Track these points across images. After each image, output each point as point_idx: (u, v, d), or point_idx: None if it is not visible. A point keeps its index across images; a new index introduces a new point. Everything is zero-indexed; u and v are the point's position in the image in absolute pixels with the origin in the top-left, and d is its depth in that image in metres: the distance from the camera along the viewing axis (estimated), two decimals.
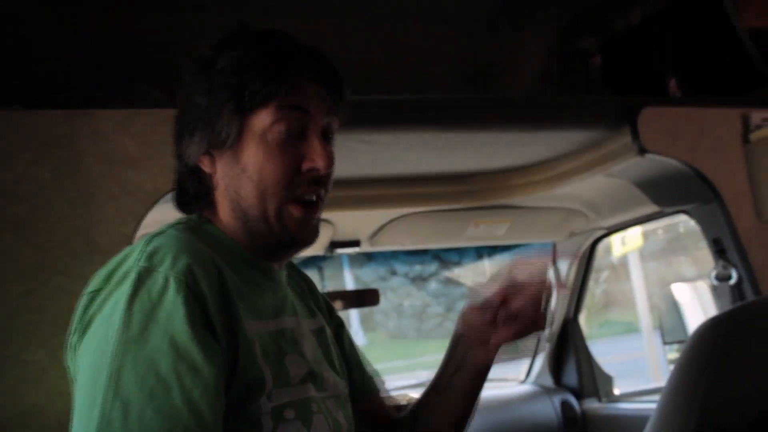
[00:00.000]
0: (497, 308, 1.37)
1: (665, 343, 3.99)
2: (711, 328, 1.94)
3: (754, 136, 2.36)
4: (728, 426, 1.76)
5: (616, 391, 3.44)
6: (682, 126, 2.33)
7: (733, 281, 2.43)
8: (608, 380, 3.45)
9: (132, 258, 1.08)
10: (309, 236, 1.23)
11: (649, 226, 4.93)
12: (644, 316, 8.29)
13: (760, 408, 1.73)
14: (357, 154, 2.25)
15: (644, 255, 8.38)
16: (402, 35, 2.64)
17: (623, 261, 8.33)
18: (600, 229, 3.23)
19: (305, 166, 1.19)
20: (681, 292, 3.58)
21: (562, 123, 2.31)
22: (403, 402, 2.88)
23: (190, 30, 1.93)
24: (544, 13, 2.82)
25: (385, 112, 2.06)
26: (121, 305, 1.03)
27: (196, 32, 1.54)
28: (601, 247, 3.47)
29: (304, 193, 1.19)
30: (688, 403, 1.83)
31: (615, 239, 5.09)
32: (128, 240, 1.76)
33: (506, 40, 2.92)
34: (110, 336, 1.02)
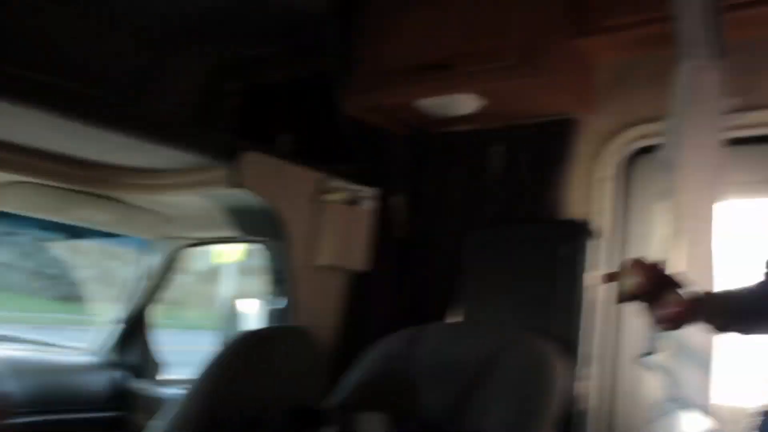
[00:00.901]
0: None
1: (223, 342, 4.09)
2: (242, 339, 2.03)
3: (325, 197, 2.51)
4: (233, 418, 1.84)
5: (169, 376, 3.39)
6: (274, 174, 2.39)
7: (280, 306, 2.55)
8: (162, 366, 3.41)
9: None
10: None
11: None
12: (217, 319, 8.43)
13: (257, 408, 1.83)
14: None
15: (240, 269, 8.55)
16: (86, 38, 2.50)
17: (217, 270, 8.41)
18: (189, 238, 3.22)
19: None
20: (245, 305, 3.70)
21: (175, 143, 2.25)
22: None
23: None
24: (193, 53, 2.83)
25: (20, 89, 1.90)
26: None
27: None
28: (198, 254, 3.47)
29: None
30: (208, 394, 1.89)
31: (217, 250, 5.13)
32: None
33: (163, 63, 2.87)
34: None
